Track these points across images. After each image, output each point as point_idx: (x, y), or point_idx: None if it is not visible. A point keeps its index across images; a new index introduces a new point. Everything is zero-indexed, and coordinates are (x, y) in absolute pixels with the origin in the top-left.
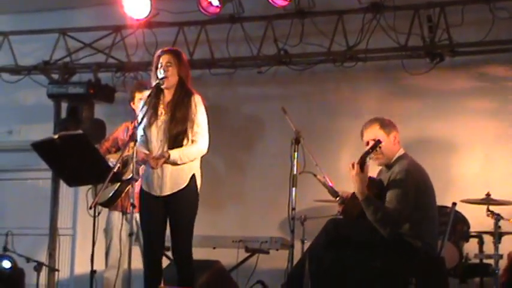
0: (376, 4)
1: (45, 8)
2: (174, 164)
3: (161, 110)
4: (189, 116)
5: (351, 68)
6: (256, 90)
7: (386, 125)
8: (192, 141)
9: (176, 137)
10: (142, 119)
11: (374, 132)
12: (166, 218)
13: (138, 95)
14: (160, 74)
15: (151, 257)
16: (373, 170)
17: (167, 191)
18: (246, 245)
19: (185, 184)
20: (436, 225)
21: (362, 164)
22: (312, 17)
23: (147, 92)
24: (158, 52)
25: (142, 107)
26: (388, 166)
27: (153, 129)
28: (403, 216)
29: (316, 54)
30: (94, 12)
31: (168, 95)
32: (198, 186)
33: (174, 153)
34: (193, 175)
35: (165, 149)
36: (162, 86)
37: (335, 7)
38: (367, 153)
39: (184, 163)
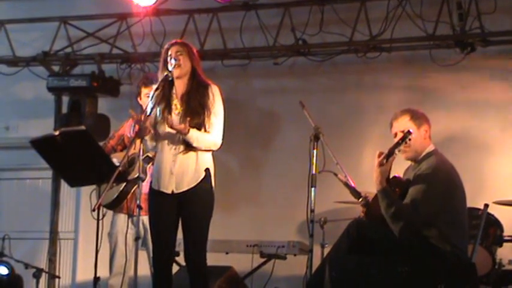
0: None
1: None
2: (187, 148)
3: (175, 103)
4: (206, 106)
5: (374, 59)
6: (272, 83)
7: (418, 117)
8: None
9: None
10: (150, 114)
11: (403, 124)
12: (179, 219)
13: (144, 91)
14: (171, 64)
15: (160, 261)
16: (400, 166)
17: (183, 187)
18: (261, 250)
19: (201, 178)
20: (466, 229)
21: (388, 155)
22: (332, 4)
23: (155, 87)
24: (166, 45)
25: (150, 101)
26: (416, 162)
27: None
28: (420, 216)
29: (336, 44)
30: None
31: (180, 87)
32: (213, 184)
33: (193, 132)
34: (208, 169)
35: (181, 144)
36: (174, 75)
37: None
38: (396, 145)
39: (196, 148)
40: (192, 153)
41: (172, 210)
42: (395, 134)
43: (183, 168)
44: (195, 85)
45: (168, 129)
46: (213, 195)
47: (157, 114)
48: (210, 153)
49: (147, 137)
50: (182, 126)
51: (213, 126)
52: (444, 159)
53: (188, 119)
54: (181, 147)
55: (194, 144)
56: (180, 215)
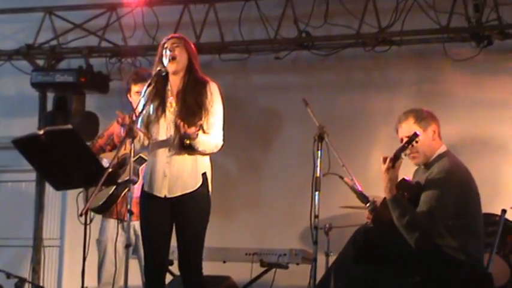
0: None
1: None
2: (190, 151)
3: (170, 101)
4: (203, 105)
5: (383, 53)
6: (273, 78)
7: (423, 117)
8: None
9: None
10: (142, 111)
11: (408, 129)
12: (172, 225)
13: (134, 88)
14: (166, 56)
15: (152, 270)
16: (408, 169)
17: (177, 192)
18: (261, 259)
19: (199, 184)
20: (481, 236)
21: (395, 159)
22: None
23: (148, 82)
24: (163, 40)
25: (142, 98)
26: (427, 166)
27: (162, 122)
28: (437, 223)
29: (342, 37)
30: None
31: (176, 83)
32: (210, 188)
33: (201, 136)
34: (205, 173)
35: (176, 145)
36: (170, 70)
37: None
38: (402, 148)
39: (199, 153)
40: (188, 155)
41: (165, 215)
42: (402, 139)
43: (178, 171)
44: (191, 82)
45: (161, 129)
46: (210, 200)
47: (151, 112)
48: (208, 155)
49: (135, 141)
50: (193, 130)
51: (212, 127)
52: (457, 161)
53: (200, 123)
54: (177, 148)
55: (200, 149)
56: (174, 221)
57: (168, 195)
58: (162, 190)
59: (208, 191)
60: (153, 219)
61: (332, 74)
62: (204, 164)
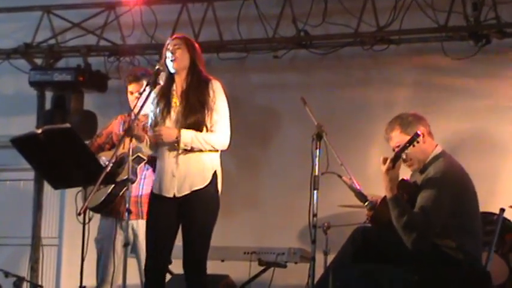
0: None
1: None
2: (187, 150)
3: (175, 100)
4: (207, 104)
5: (381, 52)
6: (271, 77)
7: (409, 123)
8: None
9: (193, 128)
10: (140, 110)
11: (396, 140)
12: (179, 226)
13: (129, 88)
14: (167, 57)
15: (154, 271)
16: (407, 170)
17: (185, 191)
18: (259, 258)
19: (207, 182)
20: (479, 235)
21: (395, 159)
22: None
23: (144, 84)
24: (167, 41)
25: (141, 96)
26: (423, 167)
27: (168, 123)
28: (433, 225)
29: (341, 36)
30: None
31: (180, 83)
32: (219, 187)
33: (187, 134)
34: (215, 172)
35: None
36: (171, 70)
37: None
38: (403, 148)
39: (199, 150)
40: (195, 154)
41: (172, 216)
42: (394, 149)
43: (186, 170)
44: (194, 81)
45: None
46: (218, 201)
47: (157, 113)
48: (218, 154)
49: (142, 144)
50: (170, 132)
51: (216, 125)
52: (453, 162)
53: (163, 126)
54: (183, 148)
55: (193, 146)
56: (181, 221)
57: (177, 194)
58: (171, 190)
59: (217, 191)
60: (160, 220)
61: (330, 73)
62: (213, 163)
